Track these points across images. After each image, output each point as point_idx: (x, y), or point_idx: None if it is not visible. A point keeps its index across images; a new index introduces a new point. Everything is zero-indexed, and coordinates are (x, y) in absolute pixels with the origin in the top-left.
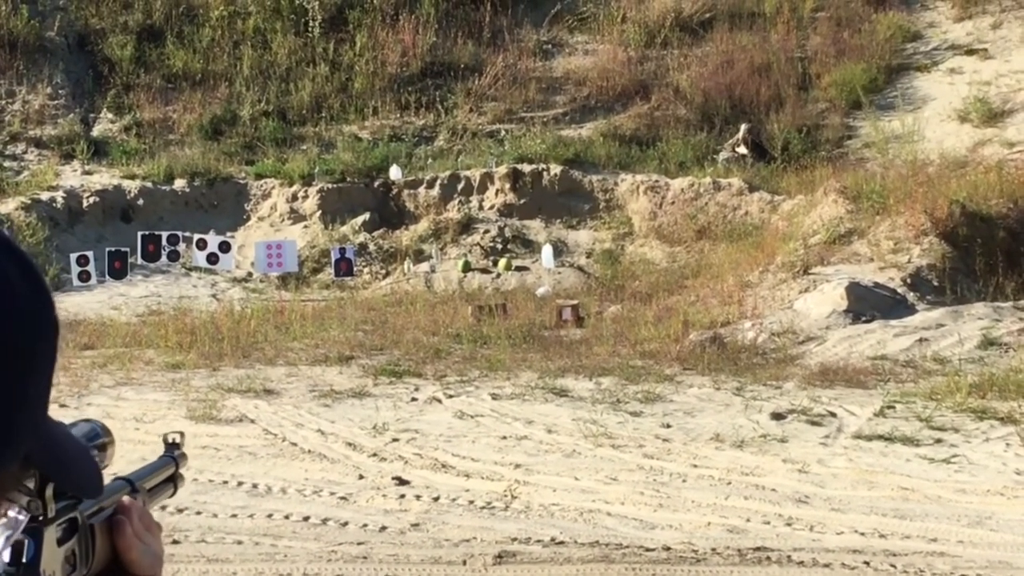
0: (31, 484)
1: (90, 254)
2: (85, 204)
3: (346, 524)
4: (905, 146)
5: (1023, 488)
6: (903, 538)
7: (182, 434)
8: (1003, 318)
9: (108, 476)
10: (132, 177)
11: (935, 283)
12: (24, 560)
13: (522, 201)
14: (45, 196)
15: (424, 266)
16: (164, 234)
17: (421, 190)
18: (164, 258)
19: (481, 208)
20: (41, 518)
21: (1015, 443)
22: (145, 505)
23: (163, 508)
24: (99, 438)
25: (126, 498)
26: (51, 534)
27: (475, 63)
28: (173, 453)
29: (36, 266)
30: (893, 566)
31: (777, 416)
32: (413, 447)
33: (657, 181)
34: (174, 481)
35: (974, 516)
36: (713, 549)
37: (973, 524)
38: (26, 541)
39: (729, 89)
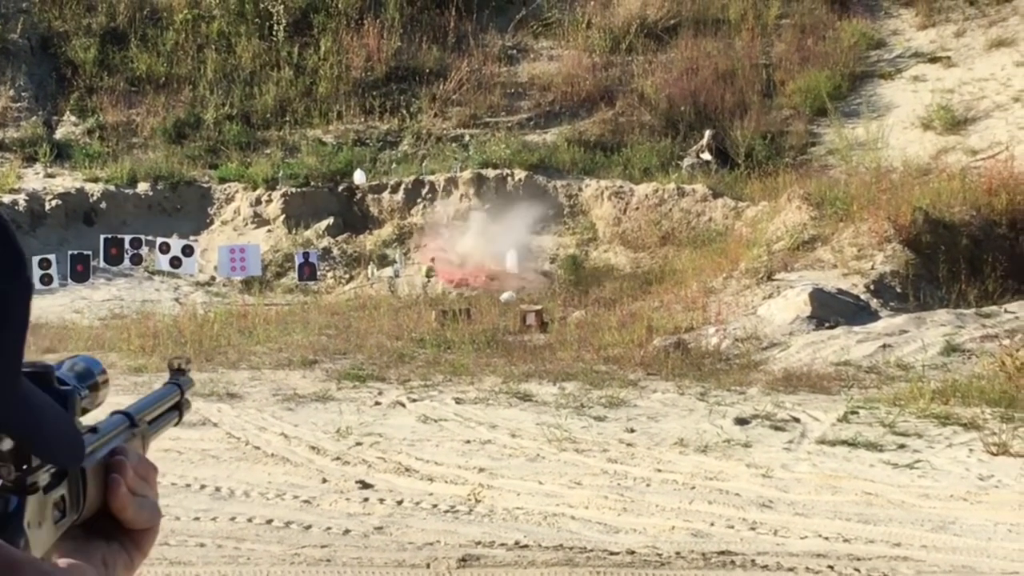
0: (5, 446)
1: (52, 257)
2: (47, 207)
3: (310, 527)
4: (869, 153)
5: (986, 493)
6: (867, 543)
7: (188, 359)
8: (966, 325)
9: (106, 410)
10: (95, 180)
11: (898, 290)
12: (7, 510)
13: (486, 206)
14: (7, 199)
15: (388, 271)
16: (127, 237)
17: (385, 195)
18: (127, 262)
19: (445, 213)
20: (25, 467)
21: (978, 449)
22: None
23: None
24: (92, 377)
25: (119, 455)
26: (38, 482)
27: (440, 68)
28: (178, 379)
29: (7, 222)
30: (857, 570)
31: (741, 421)
32: (377, 451)
33: (621, 187)
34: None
35: (937, 521)
36: (677, 553)
37: (936, 529)
38: (10, 497)
39: (694, 95)
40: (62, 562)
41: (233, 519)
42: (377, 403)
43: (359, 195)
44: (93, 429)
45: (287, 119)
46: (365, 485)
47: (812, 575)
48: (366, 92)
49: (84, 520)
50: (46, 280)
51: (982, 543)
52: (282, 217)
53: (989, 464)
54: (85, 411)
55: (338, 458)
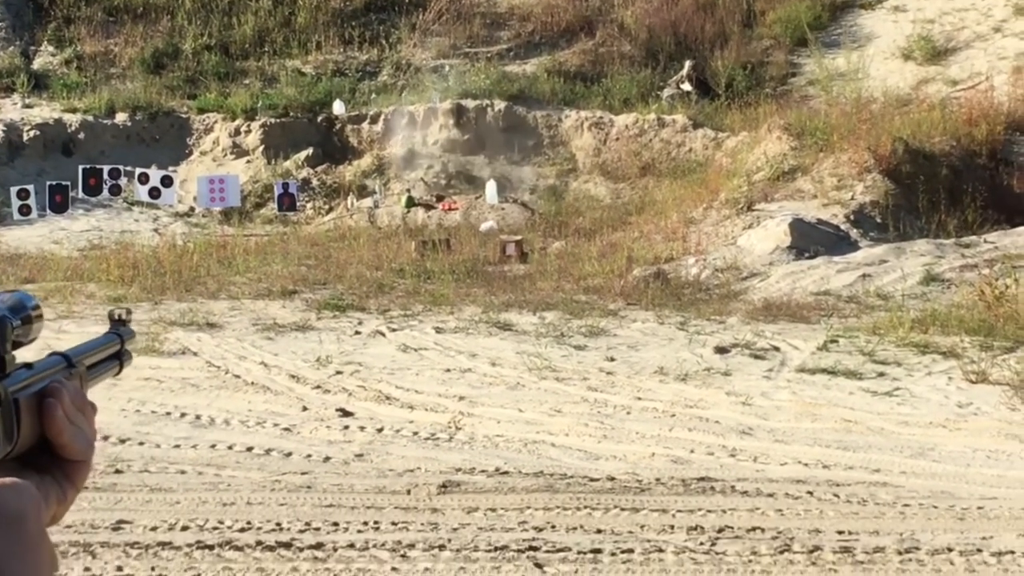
0: None
1: (31, 188)
2: (26, 138)
3: (290, 455)
4: (849, 83)
5: (965, 420)
6: (846, 469)
7: (129, 310)
8: (945, 254)
9: (45, 350)
10: (73, 111)
11: (878, 220)
12: None
13: (466, 137)
14: None
15: (367, 201)
16: (105, 168)
17: (365, 125)
18: (106, 192)
19: (425, 144)
20: None
21: (957, 377)
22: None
23: (104, 438)
24: (25, 311)
25: (58, 380)
26: None
27: None
28: (118, 329)
29: None
30: (836, 496)
31: (721, 350)
32: (357, 379)
33: (601, 117)
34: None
35: (916, 447)
36: (657, 479)
37: (915, 455)
38: None
39: (674, 26)
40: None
41: (213, 447)
42: (357, 332)
43: (338, 126)
44: (28, 365)
45: (266, 49)
46: (345, 413)
47: (792, 501)
48: (345, 22)
49: (18, 454)
50: (24, 211)
51: (961, 469)
52: (261, 148)
53: (968, 392)
54: (18, 344)
55: (318, 386)
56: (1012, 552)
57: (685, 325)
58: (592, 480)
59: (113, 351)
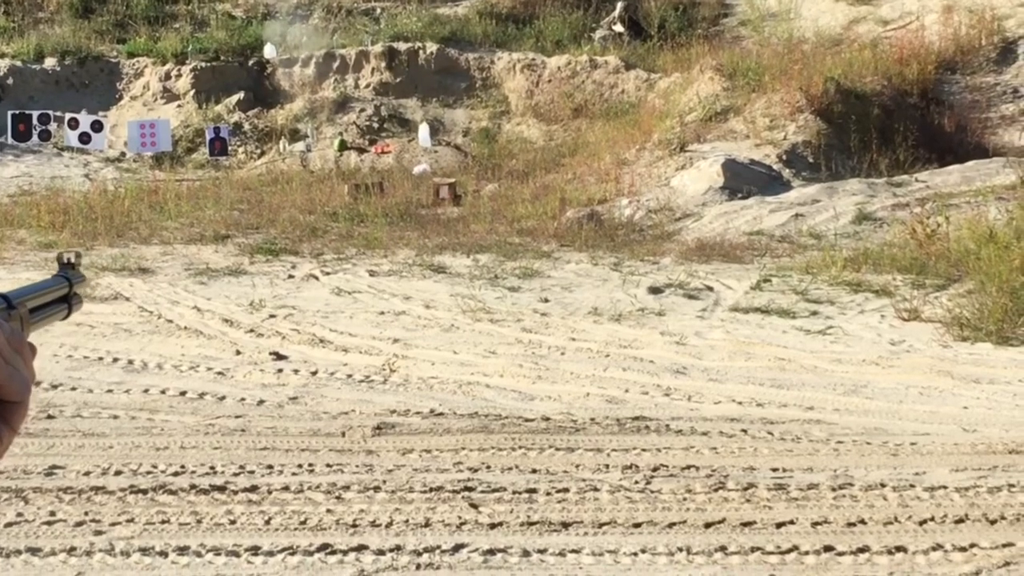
0: None
1: None
2: None
3: (223, 398)
4: (781, 24)
5: (897, 358)
6: (780, 407)
7: (78, 253)
8: (877, 194)
9: None
10: (1, 56)
11: (810, 160)
12: None
13: (398, 80)
14: None
15: (300, 145)
16: (35, 113)
17: (296, 69)
18: (35, 138)
19: (357, 87)
20: None
21: (889, 315)
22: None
23: (37, 384)
24: None
25: None
26: None
27: None
28: (67, 273)
29: None
30: (770, 433)
31: (654, 290)
32: (290, 323)
33: (534, 59)
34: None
35: (849, 385)
36: (592, 419)
37: (848, 393)
38: None
39: None
40: None
41: (146, 391)
42: (290, 276)
43: (269, 70)
44: None
45: None
46: (279, 357)
47: (726, 439)
48: None
49: None
50: None
51: (893, 406)
52: (192, 92)
53: (900, 329)
54: None
55: (252, 330)
56: (944, 487)
57: (619, 266)
58: (527, 420)
59: (60, 294)
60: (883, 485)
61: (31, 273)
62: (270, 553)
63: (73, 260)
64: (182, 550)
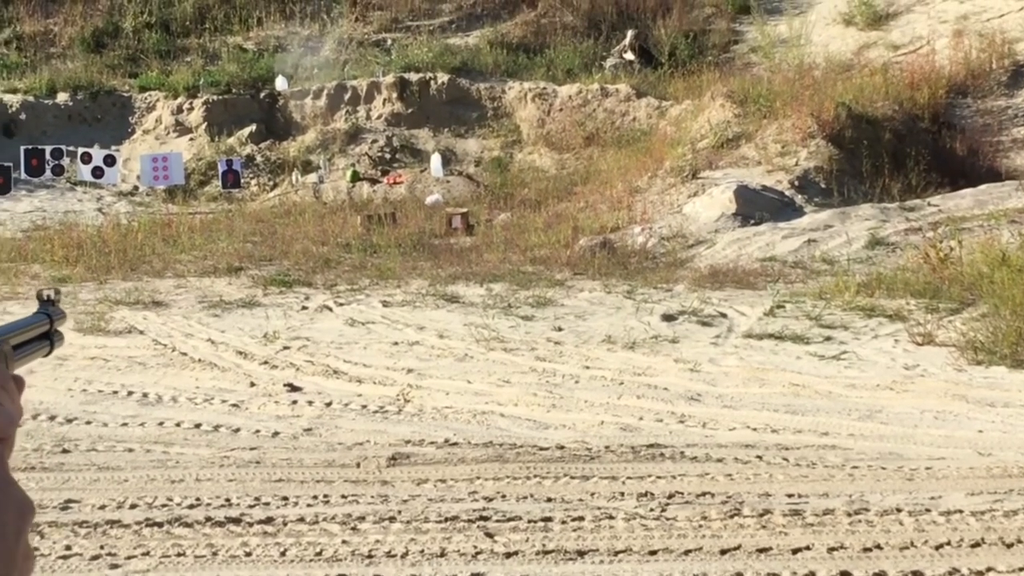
0: None
1: None
2: None
3: (238, 430)
4: (791, 50)
5: (911, 382)
6: (795, 432)
7: (57, 290)
8: (889, 218)
9: None
10: (14, 91)
11: (822, 185)
12: None
13: (410, 110)
14: None
15: (312, 177)
16: (48, 148)
17: (308, 101)
18: (48, 172)
19: (368, 118)
20: None
21: (903, 339)
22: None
23: (51, 418)
24: None
25: None
26: None
27: None
28: (47, 309)
29: None
30: (785, 459)
31: (668, 318)
32: (304, 354)
33: (545, 88)
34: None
35: (864, 410)
36: (607, 447)
37: (863, 418)
38: None
39: None
40: None
41: (161, 424)
42: (304, 308)
43: (281, 102)
44: None
45: (207, 26)
46: (293, 388)
47: (741, 465)
48: None
49: None
50: None
51: (908, 430)
52: (204, 125)
53: (914, 354)
54: None
55: (266, 362)
56: (960, 511)
57: (632, 294)
58: (541, 449)
59: (42, 331)
60: (899, 510)
61: None
62: None
63: (53, 296)
64: None
